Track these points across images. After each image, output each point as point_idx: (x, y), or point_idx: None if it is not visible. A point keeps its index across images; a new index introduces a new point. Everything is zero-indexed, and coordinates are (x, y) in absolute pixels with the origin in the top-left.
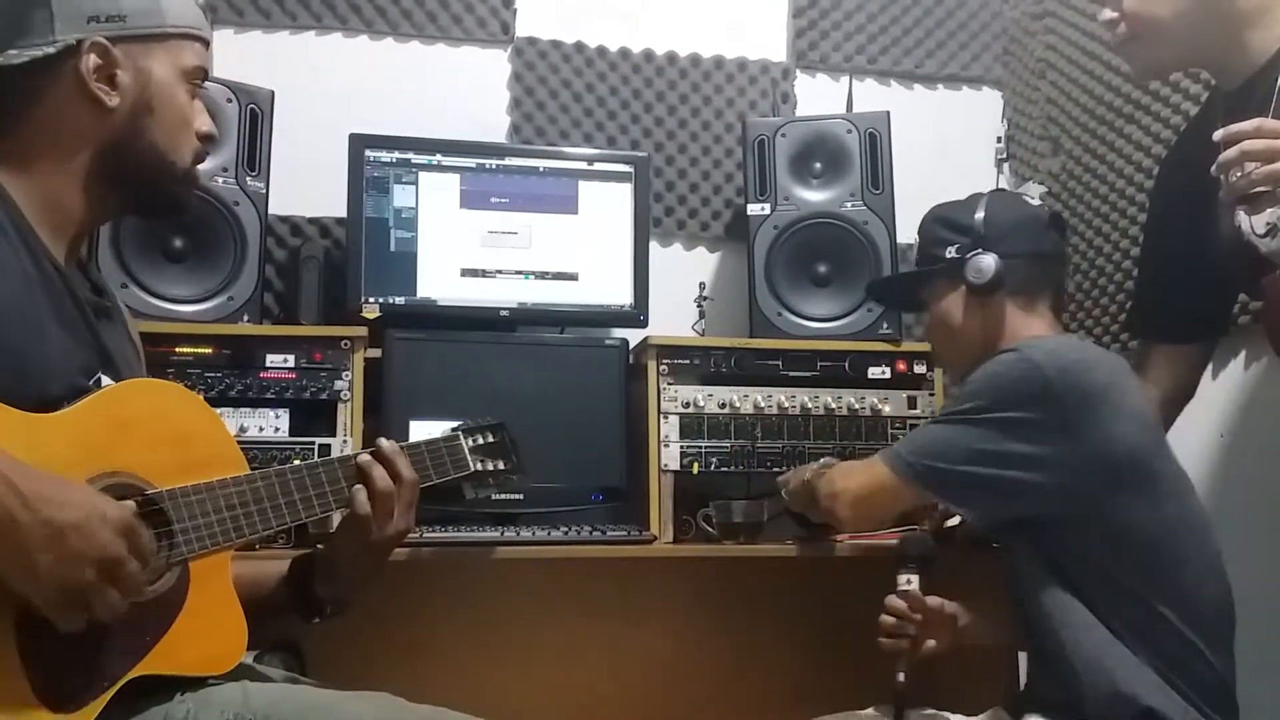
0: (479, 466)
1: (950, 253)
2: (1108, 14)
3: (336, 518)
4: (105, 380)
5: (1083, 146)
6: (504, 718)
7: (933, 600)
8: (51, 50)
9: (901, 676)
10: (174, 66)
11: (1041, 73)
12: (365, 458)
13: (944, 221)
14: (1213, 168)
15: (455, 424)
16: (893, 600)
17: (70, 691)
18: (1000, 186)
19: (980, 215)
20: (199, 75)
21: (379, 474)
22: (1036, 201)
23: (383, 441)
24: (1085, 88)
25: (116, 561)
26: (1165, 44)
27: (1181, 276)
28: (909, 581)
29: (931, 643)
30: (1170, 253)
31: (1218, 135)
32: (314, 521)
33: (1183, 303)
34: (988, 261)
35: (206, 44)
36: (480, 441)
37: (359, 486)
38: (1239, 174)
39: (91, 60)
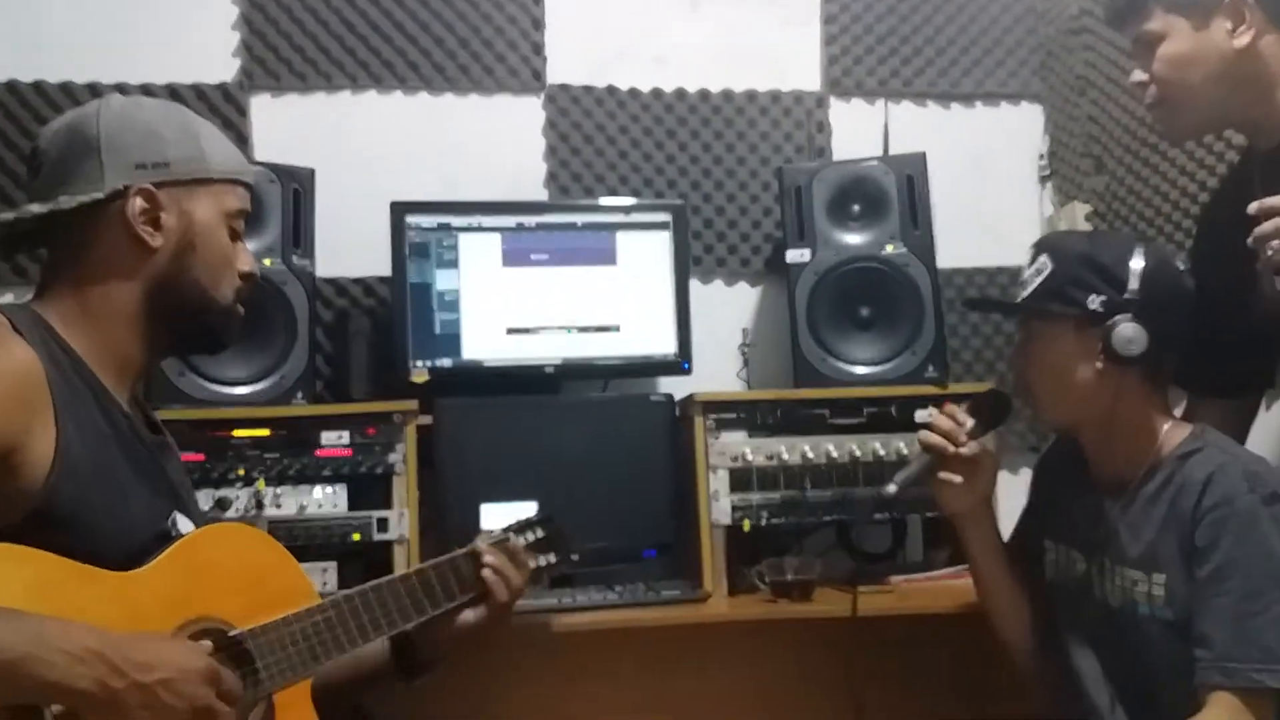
0: (533, 564)
1: (1093, 304)
2: (1139, 75)
3: None
4: (181, 519)
5: (1125, 167)
6: None
7: (975, 446)
8: (100, 195)
9: (893, 489)
10: (216, 209)
11: (1082, 89)
12: (492, 558)
13: (1091, 263)
14: (1249, 240)
15: (520, 515)
16: (950, 407)
17: None
18: (1048, 206)
19: (1136, 273)
20: (241, 216)
21: (510, 570)
22: (1183, 266)
23: (482, 547)
24: (1125, 106)
25: (207, 710)
26: (1194, 109)
27: (1225, 334)
28: (965, 424)
29: (957, 479)
30: (1212, 311)
31: (1253, 208)
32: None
33: (1228, 360)
34: (1140, 334)
35: (249, 187)
36: (532, 539)
37: (492, 575)
38: (1277, 246)
39: (137, 204)
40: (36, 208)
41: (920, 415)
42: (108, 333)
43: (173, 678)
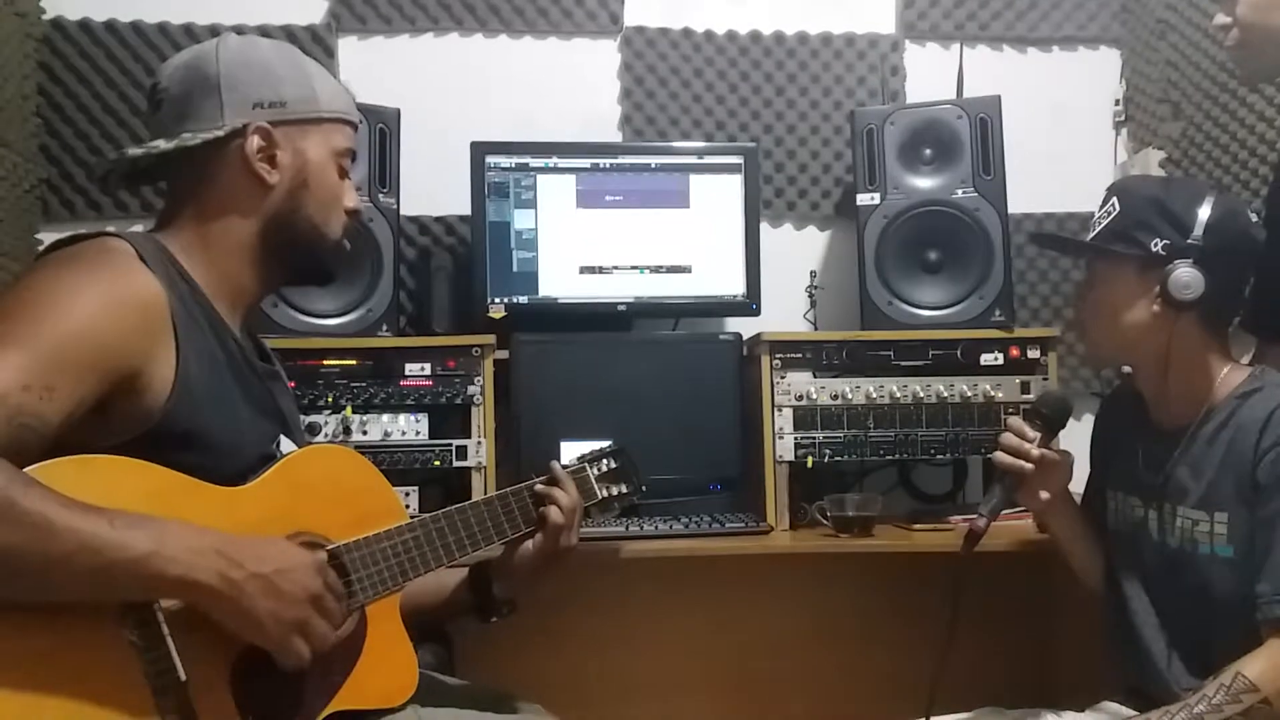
0: (605, 494)
1: (1156, 246)
2: (1221, 19)
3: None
4: (285, 441)
5: (1204, 113)
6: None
7: (1048, 454)
8: (221, 133)
9: (984, 522)
10: (327, 148)
11: (1161, 33)
12: (543, 487)
13: (1159, 207)
14: None
15: (594, 447)
16: (1015, 422)
17: None
18: (1122, 152)
19: (1203, 218)
20: (349, 156)
21: (560, 494)
22: (1255, 218)
23: (555, 466)
24: (1206, 51)
25: (319, 595)
26: (1276, 52)
27: None
28: (1034, 438)
29: (1044, 494)
30: None
31: None
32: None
33: None
34: (1196, 280)
35: (355, 127)
36: (605, 469)
37: (544, 503)
38: None
39: (255, 142)
40: (163, 144)
41: (986, 359)
42: (225, 264)
43: (286, 568)
